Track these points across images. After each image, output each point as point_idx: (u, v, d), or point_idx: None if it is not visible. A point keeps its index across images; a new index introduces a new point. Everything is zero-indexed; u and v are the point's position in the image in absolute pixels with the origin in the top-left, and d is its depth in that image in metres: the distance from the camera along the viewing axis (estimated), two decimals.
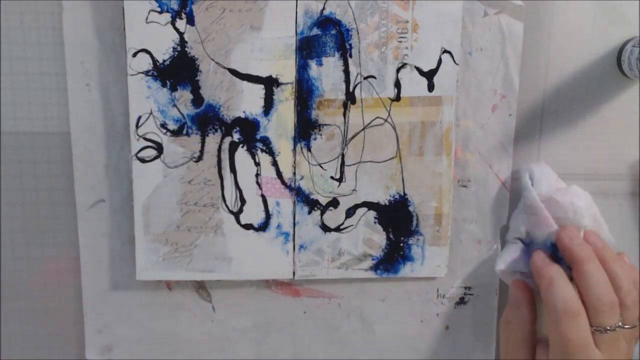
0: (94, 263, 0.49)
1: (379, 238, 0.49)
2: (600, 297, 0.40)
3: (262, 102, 0.46)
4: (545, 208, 0.47)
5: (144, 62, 0.45)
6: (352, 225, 0.49)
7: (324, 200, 0.48)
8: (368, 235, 0.49)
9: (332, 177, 0.48)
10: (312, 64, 0.46)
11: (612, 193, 0.51)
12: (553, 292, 0.41)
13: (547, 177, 0.48)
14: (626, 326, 0.41)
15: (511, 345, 0.45)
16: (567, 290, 0.41)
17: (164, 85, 0.46)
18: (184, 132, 0.46)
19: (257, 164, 0.47)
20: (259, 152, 0.47)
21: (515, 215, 0.48)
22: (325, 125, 0.47)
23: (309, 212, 0.48)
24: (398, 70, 0.46)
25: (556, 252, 0.45)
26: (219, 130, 0.47)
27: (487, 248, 0.51)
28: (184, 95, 0.46)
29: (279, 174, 0.48)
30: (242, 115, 0.46)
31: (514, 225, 0.48)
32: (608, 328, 0.40)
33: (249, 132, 0.47)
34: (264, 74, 0.46)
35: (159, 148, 0.46)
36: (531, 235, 0.47)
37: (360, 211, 0.48)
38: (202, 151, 0.47)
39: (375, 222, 0.49)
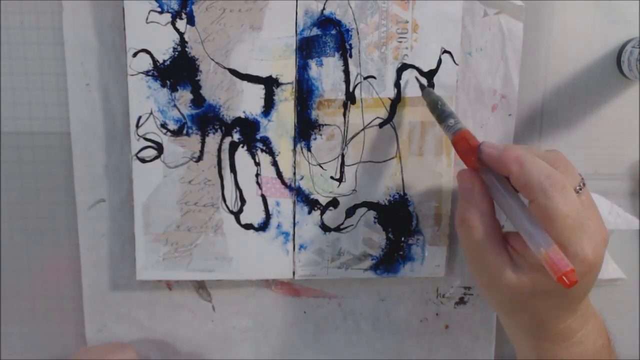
0: (94, 263, 0.49)
1: (379, 238, 0.49)
2: (552, 172, 0.37)
3: (262, 102, 0.46)
4: None
5: (144, 62, 0.45)
6: (352, 225, 0.49)
7: (324, 200, 0.48)
8: (368, 235, 0.49)
9: (332, 177, 0.48)
10: (312, 64, 0.46)
11: (612, 193, 0.51)
12: (529, 170, 0.36)
13: None
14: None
15: (474, 244, 0.39)
16: (543, 165, 0.37)
17: (164, 85, 0.46)
18: (184, 132, 0.46)
19: (257, 164, 0.47)
20: (259, 152, 0.47)
21: None
22: (325, 125, 0.47)
23: (309, 212, 0.48)
24: (398, 70, 0.46)
25: None
26: (219, 130, 0.47)
27: None
28: (184, 95, 0.46)
29: (279, 174, 0.48)
30: (242, 115, 0.47)
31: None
32: (579, 189, 0.38)
33: (249, 132, 0.47)
34: (264, 74, 0.46)
35: (159, 148, 0.47)
36: None
37: (360, 211, 0.49)
38: (202, 151, 0.47)
39: (375, 222, 0.49)
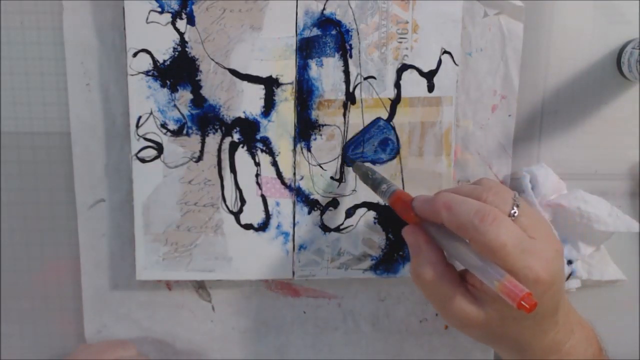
0: (94, 263, 0.49)
1: (379, 238, 0.49)
2: (480, 207, 0.37)
3: (262, 102, 0.46)
4: (550, 213, 0.48)
5: (144, 62, 0.45)
6: (352, 225, 0.49)
7: (323, 201, 0.48)
8: (368, 236, 0.49)
9: (332, 177, 0.48)
10: (312, 64, 0.46)
11: (612, 193, 0.51)
12: (457, 212, 0.37)
13: (548, 179, 0.48)
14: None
15: (434, 293, 0.39)
16: (470, 202, 0.37)
17: (164, 85, 0.46)
18: (184, 132, 0.46)
19: (257, 164, 0.47)
20: (259, 152, 0.47)
21: None
22: (325, 125, 0.47)
23: (309, 212, 0.48)
24: (398, 70, 0.46)
25: None
26: (219, 130, 0.47)
27: None
28: (184, 96, 0.46)
29: (279, 174, 0.48)
30: (242, 116, 0.47)
31: None
32: (513, 213, 0.38)
33: (249, 132, 0.47)
34: (264, 74, 0.46)
35: (159, 148, 0.47)
36: None
37: (360, 211, 0.49)
38: (202, 151, 0.47)
39: (375, 223, 0.49)
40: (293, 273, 0.49)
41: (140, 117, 0.46)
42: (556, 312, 0.39)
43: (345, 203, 0.48)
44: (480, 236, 0.36)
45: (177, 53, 0.45)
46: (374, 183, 0.44)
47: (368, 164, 0.47)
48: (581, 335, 0.41)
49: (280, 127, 0.47)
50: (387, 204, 0.43)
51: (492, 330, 0.39)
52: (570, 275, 0.50)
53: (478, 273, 0.37)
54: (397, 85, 0.47)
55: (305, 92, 0.46)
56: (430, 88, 0.47)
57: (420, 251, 0.40)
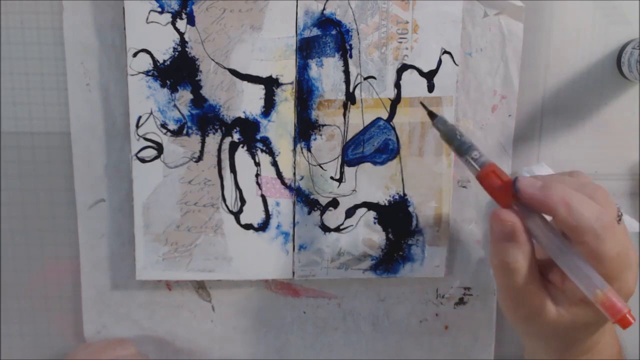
0: (94, 263, 0.49)
1: (379, 238, 0.49)
2: (601, 213, 0.36)
3: (262, 103, 0.46)
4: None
5: (144, 62, 0.45)
6: (352, 225, 0.49)
7: (323, 201, 0.48)
8: (368, 236, 0.49)
9: (332, 178, 0.48)
10: (313, 64, 0.46)
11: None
12: (578, 212, 0.35)
13: None
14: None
15: (516, 284, 0.37)
16: (591, 204, 0.35)
17: (164, 85, 0.46)
18: (184, 132, 0.46)
19: (257, 164, 0.47)
20: (259, 152, 0.47)
21: None
22: (325, 125, 0.47)
23: (309, 212, 0.48)
24: (398, 70, 0.46)
25: None
26: (219, 130, 0.47)
27: (486, 248, 0.51)
28: (184, 96, 0.46)
29: (279, 174, 0.48)
30: (242, 116, 0.47)
31: None
32: (618, 220, 0.36)
33: (249, 132, 0.47)
34: (264, 74, 0.46)
35: (159, 148, 0.47)
36: None
37: (360, 211, 0.49)
38: (202, 151, 0.47)
39: (374, 223, 0.49)
40: (293, 273, 0.49)
41: (140, 117, 0.46)
42: None
43: (345, 203, 0.48)
44: (599, 243, 0.35)
45: (177, 53, 0.45)
46: (462, 147, 0.38)
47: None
48: (610, 334, 0.41)
49: (280, 127, 0.47)
50: (475, 175, 0.38)
51: (555, 331, 0.38)
52: None
53: (577, 278, 0.35)
54: (397, 86, 0.47)
55: (305, 92, 0.46)
56: (430, 88, 0.47)
57: (517, 238, 0.36)
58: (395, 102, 0.47)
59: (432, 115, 0.41)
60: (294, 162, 0.48)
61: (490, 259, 0.39)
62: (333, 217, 0.48)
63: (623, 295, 0.36)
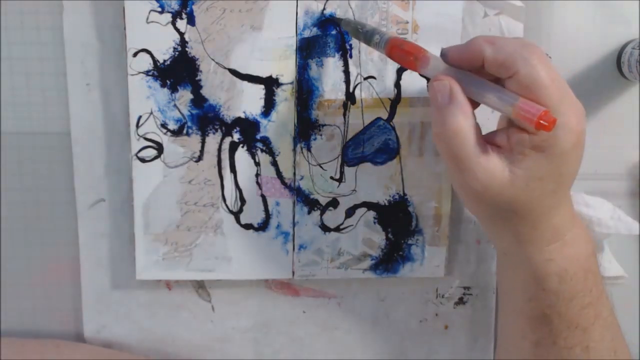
0: (94, 263, 0.49)
1: (379, 238, 0.49)
2: (527, 42, 0.37)
3: (262, 102, 0.46)
4: None
5: (145, 62, 0.45)
6: (352, 225, 0.49)
7: (323, 200, 0.48)
8: (367, 236, 0.49)
9: (332, 177, 0.48)
10: (312, 64, 0.46)
11: (612, 193, 0.51)
12: (503, 44, 0.36)
13: None
14: None
15: (461, 150, 0.37)
16: (515, 38, 0.36)
17: (164, 85, 0.46)
18: (184, 132, 0.47)
19: (257, 164, 0.47)
20: (259, 152, 0.47)
21: None
22: (325, 125, 0.47)
23: (309, 212, 0.48)
24: (398, 70, 0.46)
25: None
26: (219, 130, 0.47)
27: (486, 248, 0.51)
28: (184, 95, 0.46)
29: (279, 174, 0.48)
30: (242, 116, 0.47)
31: None
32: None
33: (249, 132, 0.47)
34: (264, 74, 0.46)
35: (159, 148, 0.47)
36: None
37: (360, 211, 0.49)
38: (202, 151, 0.47)
39: (374, 222, 0.49)
40: (293, 273, 0.49)
41: (140, 117, 0.46)
42: (574, 176, 0.38)
43: (345, 203, 0.48)
44: (530, 69, 0.35)
45: (177, 53, 0.45)
46: (366, 36, 0.41)
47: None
48: (581, 230, 0.40)
49: (280, 127, 0.47)
50: (384, 53, 0.40)
51: (512, 195, 0.37)
52: None
53: (496, 103, 0.35)
54: (397, 85, 0.47)
55: (305, 92, 0.46)
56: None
57: (455, 99, 0.36)
58: (395, 102, 0.47)
59: (338, 19, 0.45)
60: (294, 162, 0.48)
61: (432, 137, 0.39)
62: (333, 217, 0.48)
63: (568, 131, 0.35)
